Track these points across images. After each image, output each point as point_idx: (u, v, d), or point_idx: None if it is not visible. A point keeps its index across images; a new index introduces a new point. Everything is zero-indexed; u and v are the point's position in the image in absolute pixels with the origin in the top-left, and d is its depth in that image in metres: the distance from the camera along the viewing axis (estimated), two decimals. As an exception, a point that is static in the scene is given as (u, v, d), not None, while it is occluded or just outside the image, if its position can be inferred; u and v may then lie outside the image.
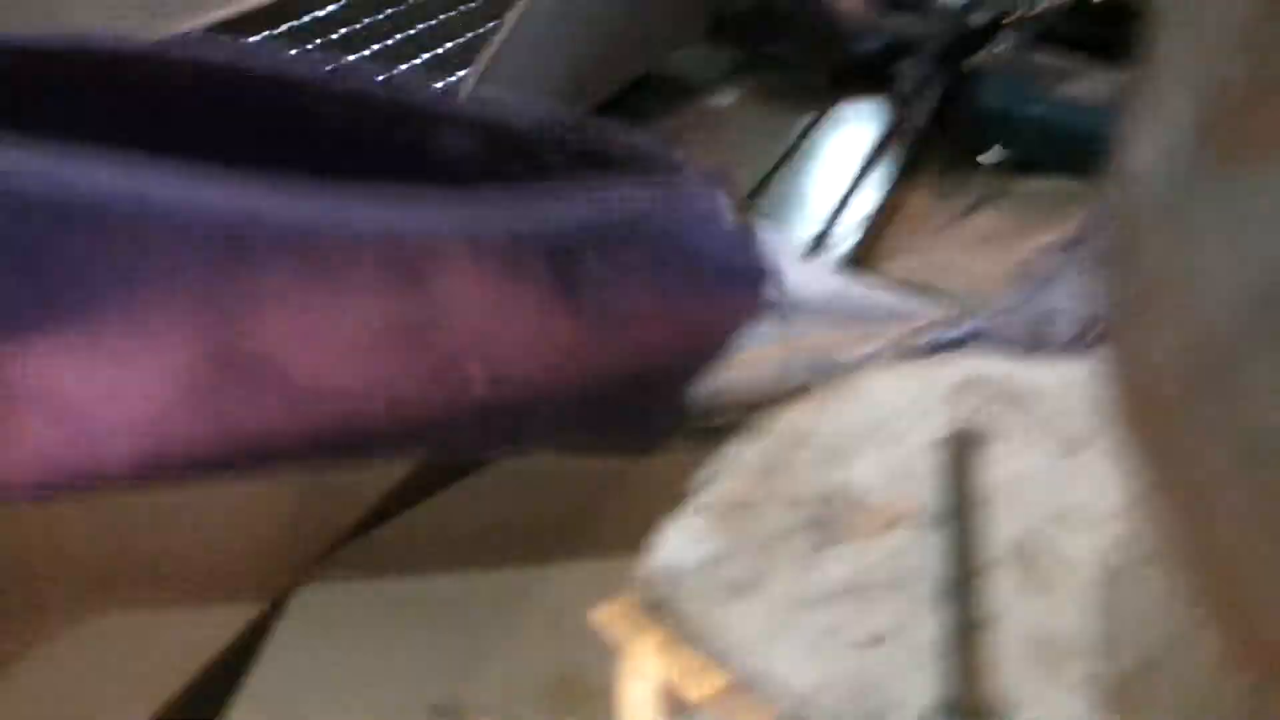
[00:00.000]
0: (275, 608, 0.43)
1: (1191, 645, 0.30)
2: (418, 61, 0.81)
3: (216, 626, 0.42)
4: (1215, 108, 0.20)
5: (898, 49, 0.80)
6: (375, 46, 0.82)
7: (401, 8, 0.86)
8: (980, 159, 0.75)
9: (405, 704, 0.39)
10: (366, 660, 0.40)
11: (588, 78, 0.68)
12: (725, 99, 0.79)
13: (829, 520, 0.35)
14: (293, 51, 0.79)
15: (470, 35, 0.83)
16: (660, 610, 0.32)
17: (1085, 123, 0.76)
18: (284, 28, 0.83)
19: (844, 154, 0.74)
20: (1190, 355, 0.20)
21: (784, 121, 0.77)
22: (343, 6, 0.85)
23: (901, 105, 0.76)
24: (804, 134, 0.76)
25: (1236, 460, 0.20)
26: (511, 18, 0.63)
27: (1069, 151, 0.77)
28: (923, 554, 0.34)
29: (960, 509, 0.35)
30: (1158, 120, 0.22)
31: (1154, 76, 0.22)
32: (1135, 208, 0.22)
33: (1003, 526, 0.35)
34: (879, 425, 0.38)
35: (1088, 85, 0.78)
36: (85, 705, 0.39)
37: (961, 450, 0.37)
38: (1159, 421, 0.23)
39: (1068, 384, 0.41)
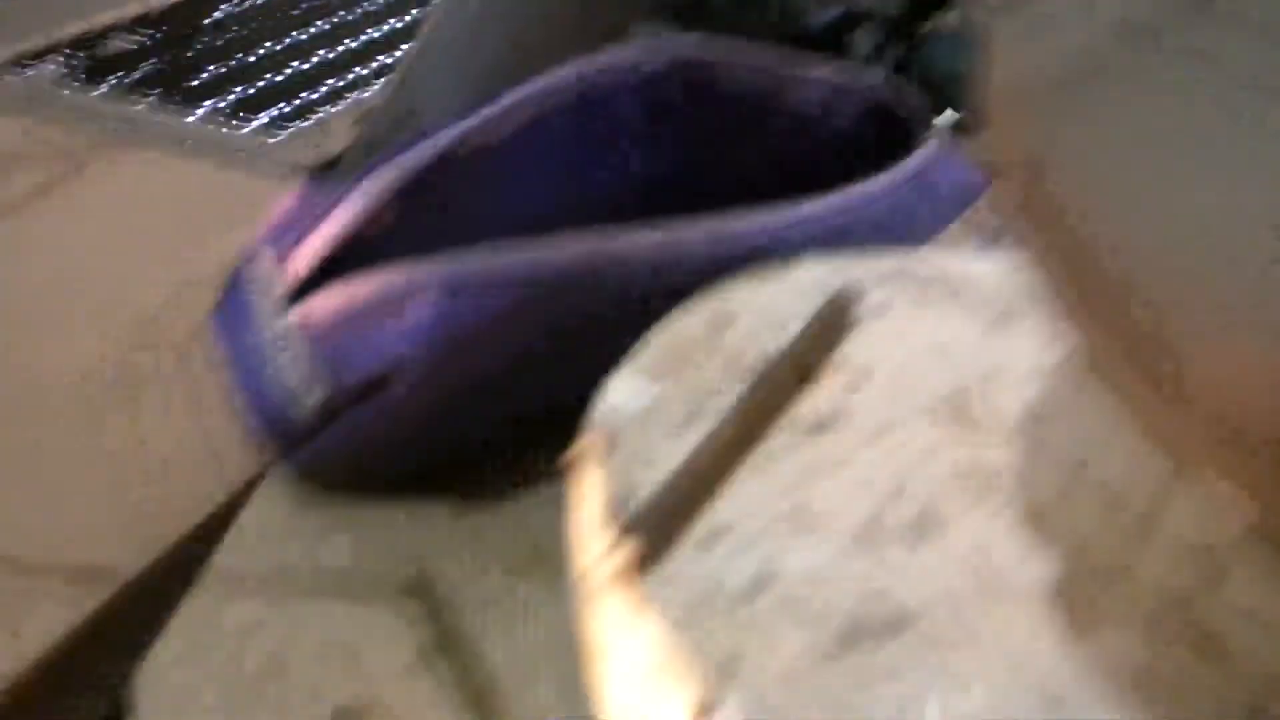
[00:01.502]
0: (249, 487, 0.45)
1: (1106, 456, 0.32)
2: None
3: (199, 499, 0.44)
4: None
5: (852, 18, 0.82)
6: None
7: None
8: (934, 122, 0.77)
9: (379, 575, 0.40)
10: (342, 529, 0.42)
11: (532, 60, 0.70)
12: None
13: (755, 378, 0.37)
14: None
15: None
16: (616, 438, 0.34)
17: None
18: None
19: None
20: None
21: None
22: None
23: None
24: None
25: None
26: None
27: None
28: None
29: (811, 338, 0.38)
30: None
31: None
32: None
33: (934, 381, 0.38)
34: (812, 300, 0.41)
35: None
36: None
37: (838, 300, 0.40)
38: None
39: (997, 272, 0.44)
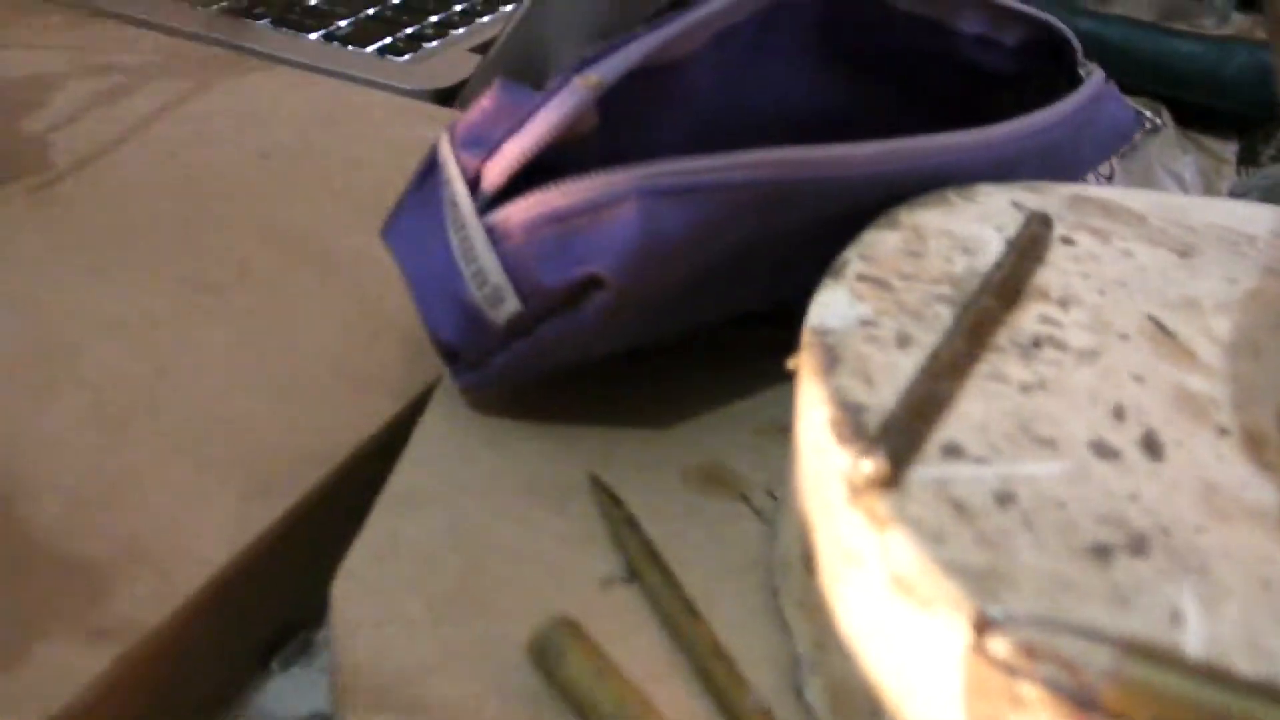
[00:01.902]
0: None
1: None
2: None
3: (369, 416, 0.44)
4: None
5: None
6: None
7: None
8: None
9: (564, 485, 0.40)
10: (524, 437, 0.42)
11: (635, 6, 0.70)
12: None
13: (964, 299, 0.37)
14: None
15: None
16: (836, 353, 0.34)
17: (1133, 39, 0.78)
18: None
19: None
20: None
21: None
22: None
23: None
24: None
25: None
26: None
27: (1116, 66, 0.80)
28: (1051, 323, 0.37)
29: (1013, 264, 0.38)
30: None
31: None
32: None
33: (1132, 307, 0.38)
34: (1000, 226, 0.41)
35: (1134, 3, 0.81)
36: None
37: (1033, 228, 0.39)
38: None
39: (1167, 205, 0.44)
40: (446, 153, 0.39)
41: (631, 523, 0.38)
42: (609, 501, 0.38)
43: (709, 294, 0.41)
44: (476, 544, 0.37)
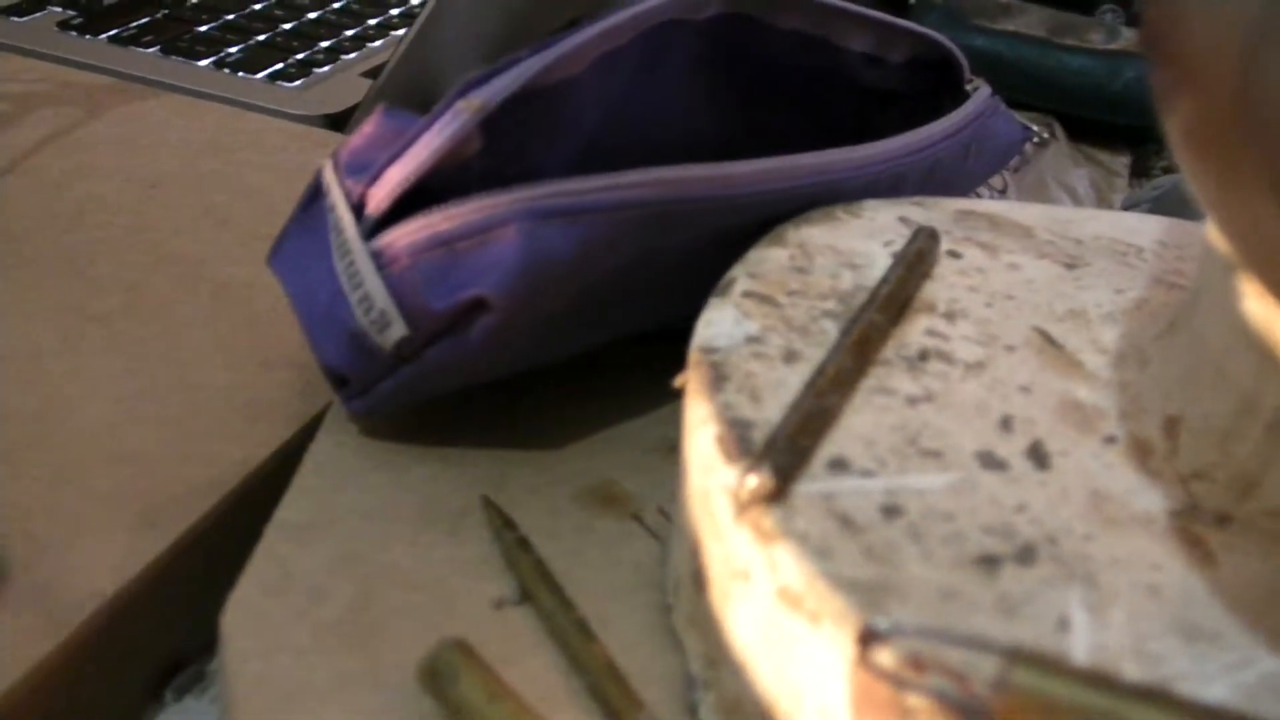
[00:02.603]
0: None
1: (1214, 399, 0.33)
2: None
3: (258, 444, 0.44)
4: None
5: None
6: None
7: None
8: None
9: (457, 509, 0.40)
10: (415, 463, 0.42)
11: (526, 28, 0.70)
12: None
13: (851, 314, 0.37)
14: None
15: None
16: (722, 370, 0.34)
17: (1024, 55, 0.79)
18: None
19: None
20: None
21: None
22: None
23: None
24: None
25: None
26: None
27: (1008, 81, 0.80)
28: (942, 339, 0.37)
29: (899, 278, 0.38)
30: None
31: None
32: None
33: (1019, 319, 0.38)
34: (887, 242, 0.41)
35: (1025, 19, 0.82)
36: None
37: (920, 242, 0.40)
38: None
39: (1054, 219, 0.45)
40: (330, 178, 0.39)
41: (524, 544, 0.37)
42: (501, 524, 0.38)
43: (598, 315, 0.41)
44: (367, 570, 0.37)
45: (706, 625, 0.33)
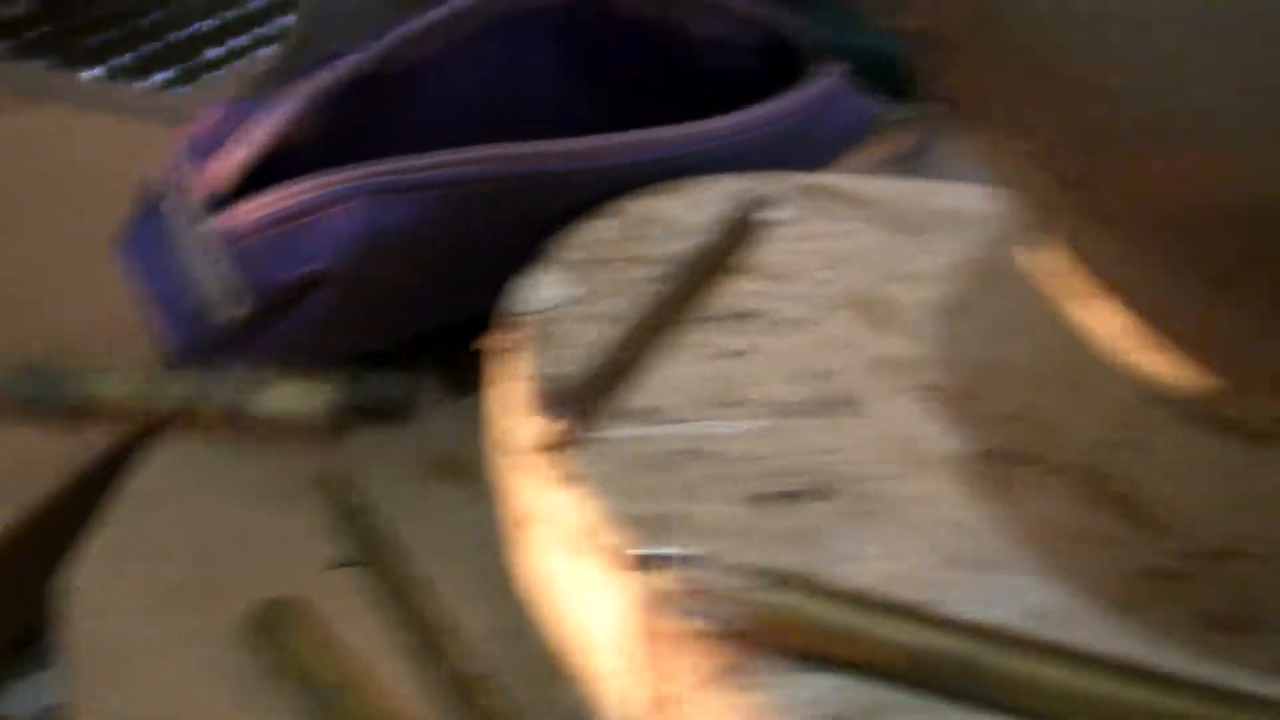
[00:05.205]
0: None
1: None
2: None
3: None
4: None
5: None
6: None
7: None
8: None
9: (295, 481, 0.41)
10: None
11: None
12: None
13: (687, 283, 0.38)
14: None
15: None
16: (539, 331, 0.35)
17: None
18: None
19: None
20: None
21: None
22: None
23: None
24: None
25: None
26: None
27: (892, 78, 0.81)
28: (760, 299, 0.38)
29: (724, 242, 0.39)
30: None
31: None
32: None
33: (846, 282, 0.39)
34: (720, 211, 0.42)
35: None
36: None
37: (750, 209, 0.41)
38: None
39: (898, 190, 0.46)
40: (173, 161, 0.40)
41: (361, 510, 0.38)
42: (339, 490, 0.39)
43: (442, 292, 0.41)
44: (206, 537, 0.38)
45: (520, 574, 0.34)
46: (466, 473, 0.41)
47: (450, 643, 0.34)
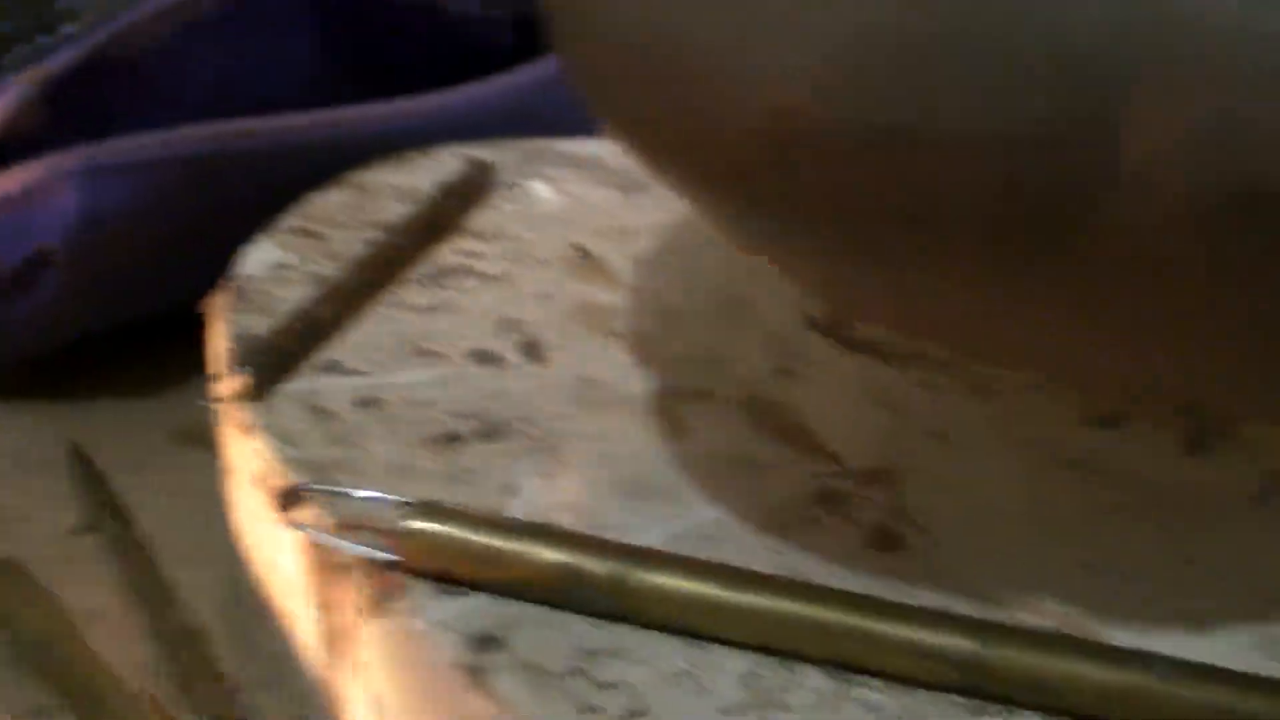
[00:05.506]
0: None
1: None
2: None
3: None
4: None
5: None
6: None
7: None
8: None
9: (37, 453, 0.42)
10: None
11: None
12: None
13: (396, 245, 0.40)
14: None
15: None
16: (244, 294, 0.37)
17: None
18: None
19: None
20: None
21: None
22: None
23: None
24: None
25: None
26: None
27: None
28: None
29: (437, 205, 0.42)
30: None
31: None
32: None
33: (559, 239, 0.42)
34: (445, 178, 0.44)
35: None
36: None
37: (469, 173, 0.43)
38: None
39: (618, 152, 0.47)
40: None
41: (97, 478, 0.39)
42: (79, 461, 0.40)
43: (178, 269, 0.43)
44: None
45: (233, 529, 0.36)
46: (211, 443, 0.43)
47: (165, 598, 0.35)
